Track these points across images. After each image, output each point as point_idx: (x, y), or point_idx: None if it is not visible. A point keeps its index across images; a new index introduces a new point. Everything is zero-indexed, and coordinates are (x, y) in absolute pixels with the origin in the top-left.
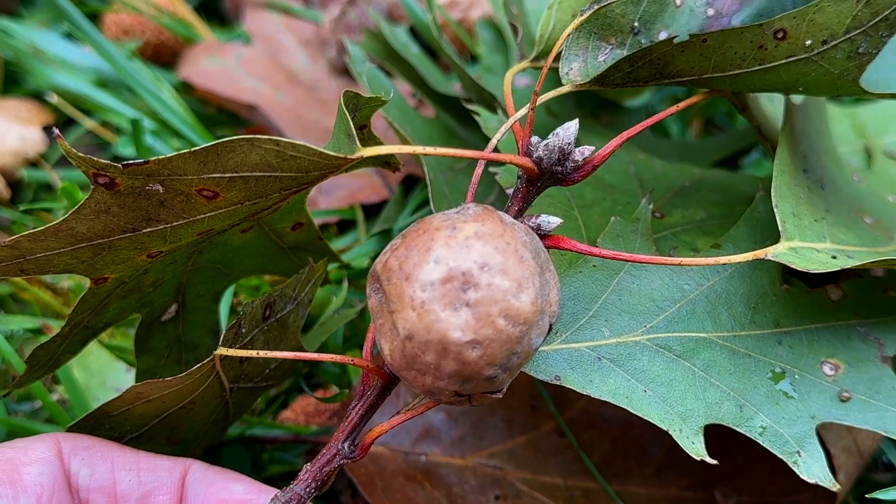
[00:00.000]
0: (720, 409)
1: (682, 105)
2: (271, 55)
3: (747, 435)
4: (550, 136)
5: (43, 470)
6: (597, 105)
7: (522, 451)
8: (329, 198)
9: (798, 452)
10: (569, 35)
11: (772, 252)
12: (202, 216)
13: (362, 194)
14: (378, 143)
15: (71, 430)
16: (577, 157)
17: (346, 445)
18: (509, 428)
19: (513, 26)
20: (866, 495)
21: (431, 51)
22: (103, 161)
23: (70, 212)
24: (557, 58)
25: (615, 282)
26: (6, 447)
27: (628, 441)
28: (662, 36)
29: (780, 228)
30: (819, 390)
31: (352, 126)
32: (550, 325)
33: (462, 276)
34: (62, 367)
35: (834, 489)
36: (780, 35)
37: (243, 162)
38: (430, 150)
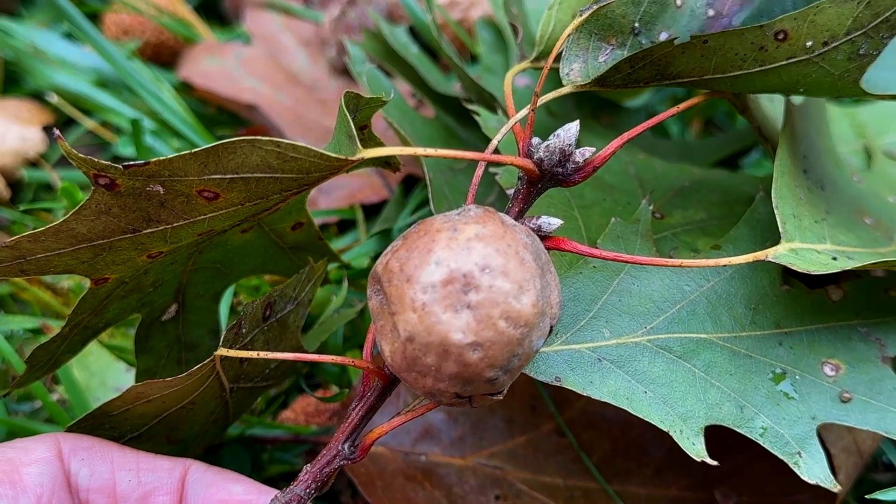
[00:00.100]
0: (721, 410)
1: (682, 106)
2: (271, 55)
3: (748, 436)
4: (551, 137)
5: (43, 470)
6: (597, 105)
7: (522, 451)
8: (329, 198)
9: (799, 453)
10: (569, 35)
11: (772, 253)
12: (203, 217)
13: (362, 194)
14: (379, 143)
15: (71, 429)
16: (577, 159)
17: (346, 446)
18: (509, 428)
19: (513, 26)
20: (866, 496)
21: (431, 51)
22: (104, 162)
23: (70, 213)
24: (558, 58)
25: (615, 283)
26: (6, 447)
27: (628, 441)
28: (663, 37)
29: (780, 230)
30: (820, 391)
31: (353, 127)
32: (551, 327)
33: (463, 277)
34: (62, 367)
35: (835, 490)
36: (780, 36)
37: (244, 163)
38: (430, 151)
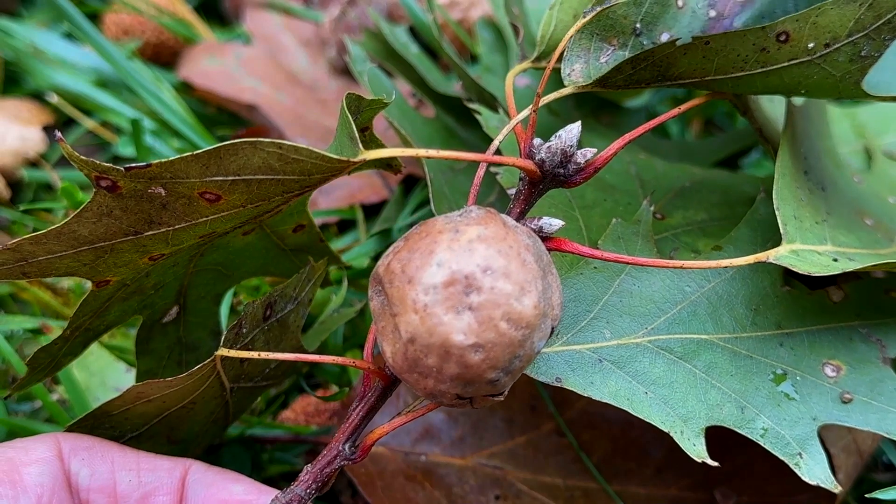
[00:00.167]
0: (721, 411)
1: (683, 107)
2: (271, 55)
3: (749, 437)
4: (553, 138)
5: (43, 470)
6: (597, 104)
7: (522, 451)
8: (329, 198)
9: (800, 454)
10: (571, 36)
11: (773, 255)
12: (204, 219)
13: (362, 194)
14: (380, 145)
15: (71, 429)
16: (579, 160)
17: (346, 447)
18: (509, 428)
19: (514, 26)
20: (866, 495)
21: (431, 51)
22: (105, 164)
23: (72, 215)
24: (559, 59)
25: (616, 283)
26: (6, 447)
27: (628, 441)
28: (664, 37)
29: (781, 231)
30: (820, 392)
31: (354, 129)
32: (553, 328)
33: (465, 279)
34: (63, 368)
35: (835, 491)
36: (782, 38)
37: (246, 165)
38: (432, 152)
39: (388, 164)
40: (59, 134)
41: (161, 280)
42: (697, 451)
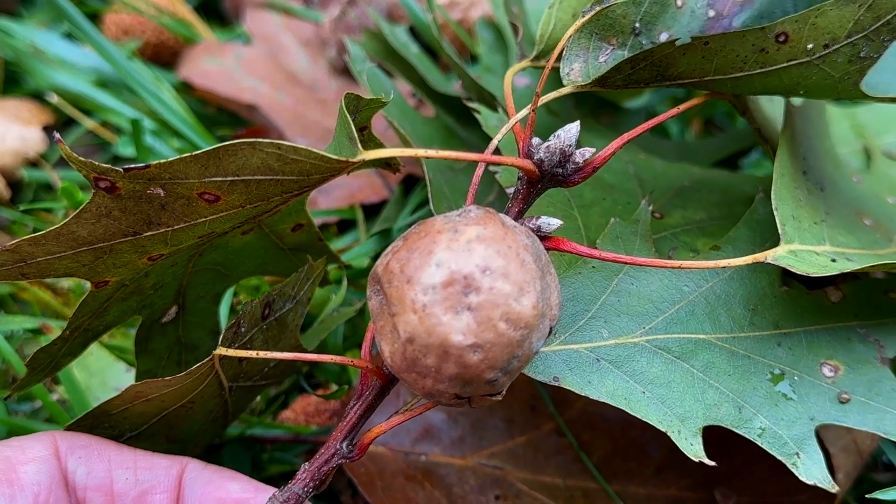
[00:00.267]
0: (719, 411)
1: (682, 107)
2: (271, 55)
3: (746, 436)
4: (551, 137)
5: (40, 468)
6: (596, 105)
7: (522, 451)
8: (329, 198)
9: (797, 454)
10: (570, 35)
11: (771, 255)
12: (203, 219)
13: (362, 194)
14: (379, 144)
15: (70, 428)
16: (577, 159)
17: (344, 445)
18: (509, 428)
19: (513, 26)
20: (866, 495)
21: (431, 51)
22: (104, 165)
23: (71, 216)
24: (558, 58)
25: (614, 283)
26: (3, 446)
27: (628, 441)
28: (663, 37)
29: (779, 231)
30: (818, 392)
31: (353, 129)
32: (551, 328)
33: (464, 279)
34: (63, 368)
35: (833, 490)
36: (781, 38)
37: (245, 165)
38: (431, 152)
39: (387, 164)
40: (57, 135)
41: (160, 280)
42: (695, 450)
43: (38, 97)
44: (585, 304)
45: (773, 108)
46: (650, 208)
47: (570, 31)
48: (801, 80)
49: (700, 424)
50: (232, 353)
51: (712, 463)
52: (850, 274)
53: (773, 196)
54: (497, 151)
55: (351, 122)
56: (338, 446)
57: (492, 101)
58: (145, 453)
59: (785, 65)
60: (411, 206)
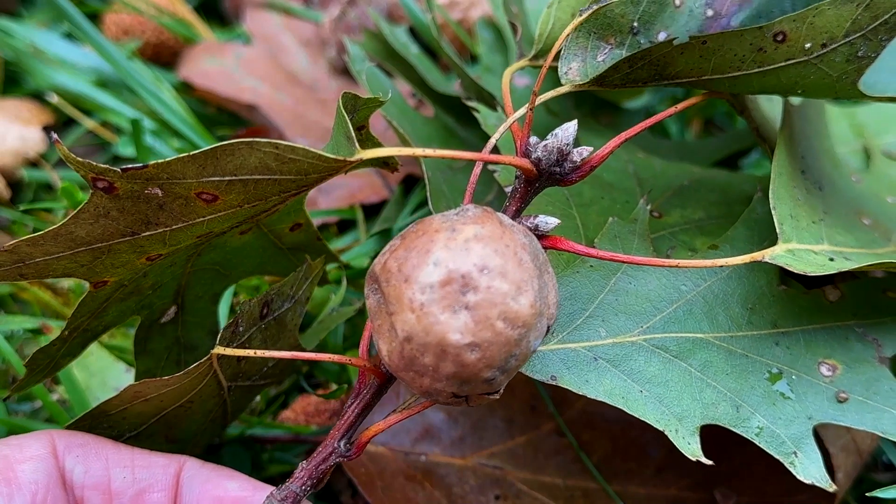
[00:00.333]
0: (717, 410)
1: (680, 106)
2: (271, 55)
3: (744, 435)
4: (549, 136)
5: (38, 467)
6: (596, 105)
7: (522, 451)
8: (329, 198)
9: (795, 453)
10: (568, 34)
11: (769, 254)
12: (201, 219)
13: (362, 194)
14: (377, 143)
15: (68, 428)
16: (575, 158)
17: (342, 444)
18: (509, 428)
19: (512, 25)
20: (867, 493)
21: (431, 51)
22: (102, 166)
23: (69, 216)
24: (556, 57)
25: (612, 282)
26: (0, 445)
27: (628, 441)
28: (661, 36)
29: (777, 230)
30: (816, 391)
31: (350, 128)
32: (548, 327)
33: (461, 278)
34: (62, 369)
35: (830, 490)
36: (779, 38)
37: (242, 165)
38: (429, 151)
39: (385, 163)
40: (54, 136)
41: (159, 280)
42: (692, 449)
43: (38, 97)
44: (583, 303)
45: (771, 107)
46: (648, 207)
47: (568, 30)
48: (799, 80)
49: (697, 423)
50: (230, 352)
51: (710, 462)
52: (848, 273)
53: (770, 195)
54: (496, 150)
55: (348, 121)
56: (335, 445)
57: (491, 101)
58: (143, 452)
59: (783, 64)
60: (411, 205)
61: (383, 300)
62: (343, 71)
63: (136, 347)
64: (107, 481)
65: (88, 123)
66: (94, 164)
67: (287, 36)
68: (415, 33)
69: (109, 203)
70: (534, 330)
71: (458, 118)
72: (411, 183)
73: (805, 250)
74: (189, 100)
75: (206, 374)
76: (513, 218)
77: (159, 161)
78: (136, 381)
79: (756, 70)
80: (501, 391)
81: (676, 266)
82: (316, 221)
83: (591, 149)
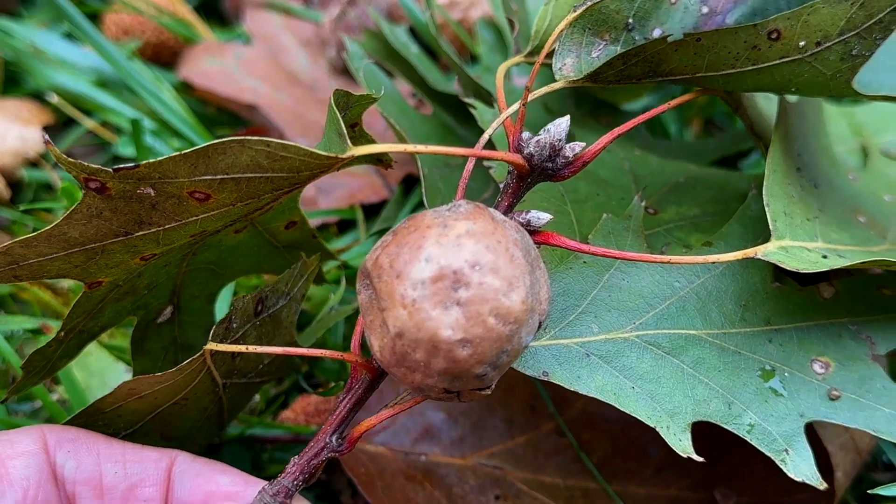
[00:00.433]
0: (708, 407)
1: (673, 103)
2: (271, 55)
3: (735, 432)
4: (541, 132)
5: (29, 463)
6: (596, 105)
7: (522, 451)
8: (329, 198)
9: (786, 450)
10: (562, 30)
11: (762, 251)
12: (194, 218)
13: (362, 194)
14: (370, 140)
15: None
16: (567, 154)
17: (333, 439)
18: (509, 428)
19: (510, 22)
20: (868, 491)
21: (431, 51)
22: (93, 166)
23: (62, 217)
24: (551, 54)
25: (605, 278)
26: None
27: (628, 441)
28: (657, 33)
29: (770, 227)
30: (809, 388)
31: (342, 125)
32: (540, 323)
33: (453, 274)
34: (60, 370)
35: (821, 487)
36: (773, 35)
37: (234, 163)
38: (420, 147)
39: (379, 160)
40: (46, 136)
41: (154, 280)
42: (683, 446)
43: (38, 97)
44: (576, 299)
45: (769, 105)
46: (643, 204)
47: (561, 25)
48: (793, 78)
49: (689, 420)
50: (222, 347)
51: (700, 459)
52: (843, 270)
53: (764, 192)
54: (492, 147)
55: (340, 118)
56: (327, 440)
57: (489, 100)
58: (134, 446)
59: (777, 62)
60: (411, 205)
61: (375, 296)
62: (343, 71)
63: (133, 348)
64: (98, 476)
65: (88, 123)
66: (86, 164)
67: (287, 36)
68: (415, 33)
69: (102, 203)
70: (525, 326)
71: (457, 116)
72: (411, 183)
73: (798, 247)
74: (189, 100)
75: (199, 370)
76: (505, 213)
77: (151, 160)
78: None
79: (750, 68)
80: (493, 387)
81: (669, 262)
82: (316, 221)
83: (583, 144)
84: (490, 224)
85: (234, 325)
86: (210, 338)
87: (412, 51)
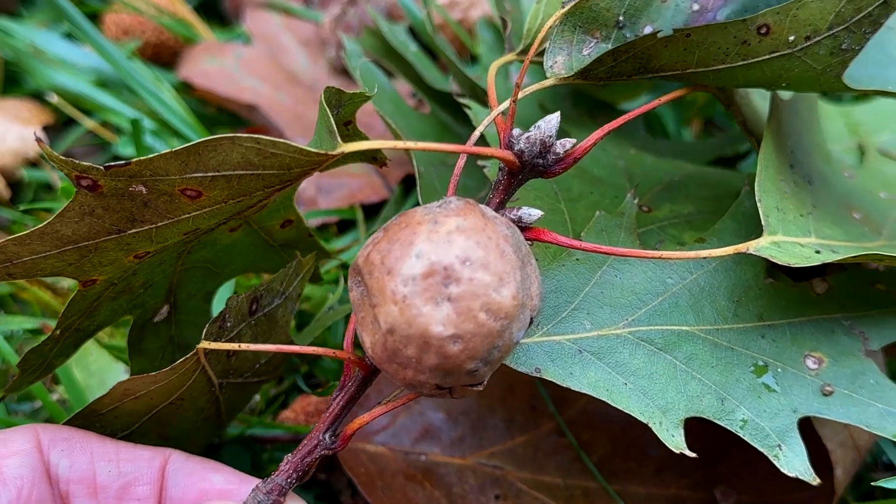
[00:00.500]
0: (701, 402)
1: (664, 99)
2: (271, 55)
3: (728, 428)
4: (532, 128)
5: (23, 462)
6: (594, 105)
7: (522, 451)
8: (329, 198)
9: (779, 446)
10: (553, 28)
11: (754, 246)
12: (187, 216)
13: (362, 194)
14: (363, 138)
15: None
16: (558, 150)
17: (327, 436)
18: (509, 428)
19: (503, 21)
20: (872, 483)
21: (431, 51)
22: (85, 164)
23: (55, 215)
24: (542, 52)
25: (598, 275)
26: None
27: (628, 441)
28: (647, 30)
29: (763, 222)
30: (802, 384)
31: (332, 122)
32: (531, 319)
33: (444, 270)
34: (59, 368)
35: (814, 483)
36: (763, 31)
37: (225, 161)
38: (410, 144)
39: (373, 158)
40: (37, 135)
41: (149, 278)
42: (676, 442)
43: (38, 97)
44: (569, 295)
45: (764, 104)
46: (636, 201)
47: (550, 21)
48: (784, 73)
49: (682, 416)
50: (215, 346)
51: (693, 455)
52: (838, 266)
53: (756, 187)
54: (486, 143)
55: (330, 115)
56: (320, 437)
57: (484, 98)
58: (128, 445)
59: (767, 57)
60: (411, 205)
61: (366, 292)
62: (343, 71)
63: (130, 347)
64: (92, 475)
65: (88, 123)
66: (77, 162)
67: (287, 36)
68: (414, 33)
69: (94, 201)
70: (516, 321)
71: (455, 116)
72: (411, 183)
73: (791, 243)
74: (189, 100)
75: (193, 369)
76: (496, 210)
77: (142, 158)
78: None
79: (740, 63)
80: (485, 383)
81: (661, 258)
82: (316, 221)
83: (574, 140)
84: (480, 220)
85: (229, 324)
86: (203, 336)
87: (411, 49)
